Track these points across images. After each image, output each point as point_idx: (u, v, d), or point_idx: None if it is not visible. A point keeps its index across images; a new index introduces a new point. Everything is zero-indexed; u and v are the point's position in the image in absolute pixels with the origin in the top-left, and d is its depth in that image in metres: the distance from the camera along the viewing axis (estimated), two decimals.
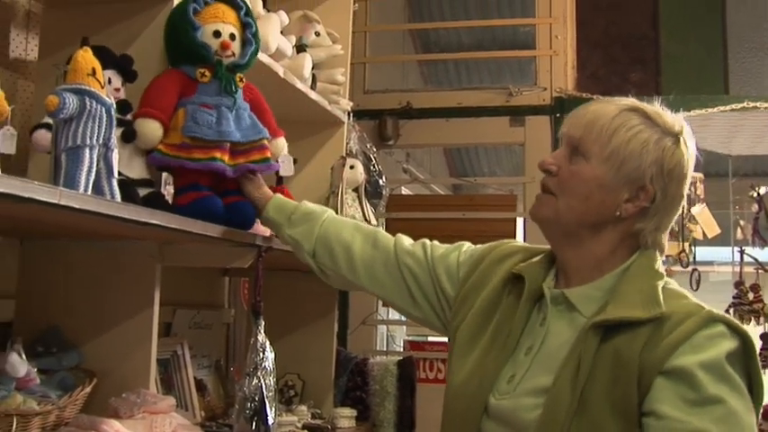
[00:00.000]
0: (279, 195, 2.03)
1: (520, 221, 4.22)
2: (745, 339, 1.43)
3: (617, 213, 1.56)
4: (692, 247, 3.97)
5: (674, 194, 1.58)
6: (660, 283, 1.52)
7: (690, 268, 3.80)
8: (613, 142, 1.55)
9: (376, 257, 1.89)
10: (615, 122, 1.56)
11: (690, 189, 3.76)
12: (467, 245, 1.88)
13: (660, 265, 1.59)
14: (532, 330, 1.61)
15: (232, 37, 1.96)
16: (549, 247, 1.72)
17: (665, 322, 1.44)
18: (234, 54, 1.96)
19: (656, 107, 1.61)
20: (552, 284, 1.64)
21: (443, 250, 1.87)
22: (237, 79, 1.97)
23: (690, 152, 1.60)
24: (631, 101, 1.62)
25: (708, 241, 4.36)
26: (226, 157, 1.91)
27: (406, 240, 1.92)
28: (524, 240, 4.13)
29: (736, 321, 1.47)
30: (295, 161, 2.49)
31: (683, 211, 3.82)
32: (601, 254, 1.59)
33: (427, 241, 1.90)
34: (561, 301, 1.60)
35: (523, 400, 1.50)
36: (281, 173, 2.32)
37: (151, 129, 1.85)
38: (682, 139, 1.58)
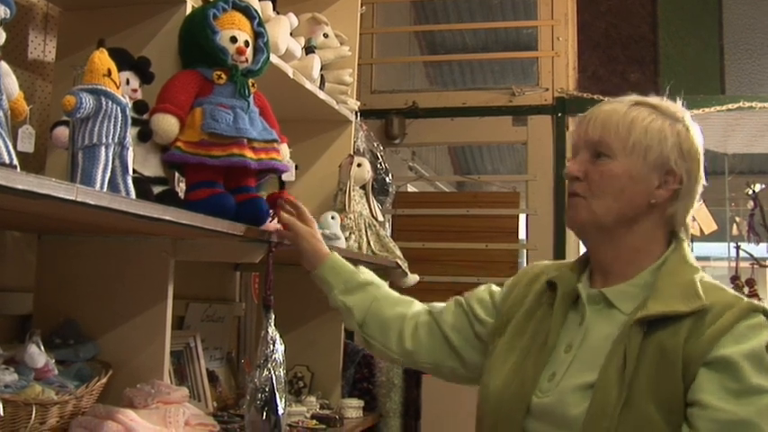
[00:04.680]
0: (335, 254, 2.05)
1: (522, 218, 4.25)
2: None
3: (651, 201, 1.59)
4: (690, 243, 4.00)
5: (697, 175, 1.62)
6: (698, 276, 1.55)
7: None
8: (633, 134, 1.58)
9: (419, 327, 1.91)
10: (629, 116, 1.60)
11: None
12: (494, 285, 1.92)
13: (693, 257, 1.62)
14: (570, 330, 1.62)
15: (246, 44, 2.02)
16: (573, 260, 1.77)
17: (706, 314, 1.46)
18: (247, 60, 2.03)
19: (656, 99, 1.66)
20: (588, 286, 1.67)
21: (473, 291, 1.91)
22: (250, 84, 2.03)
23: (698, 134, 1.64)
24: (635, 97, 1.66)
25: (705, 237, 4.35)
26: (245, 152, 1.95)
27: (437, 304, 1.96)
28: (527, 236, 4.17)
29: None
30: (296, 167, 2.52)
31: None
32: (639, 245, 1.62)
33: (458, 296, 1.94)
34: (599, 300, 1.61)
35: (568, 397, 1.51)
36: (284, 177, 2.34)
37: (168, 123, 1.89)
38: (689, 124, 1.63)
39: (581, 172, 1.63)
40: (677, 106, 1.66)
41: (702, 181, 1.65)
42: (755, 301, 1.48)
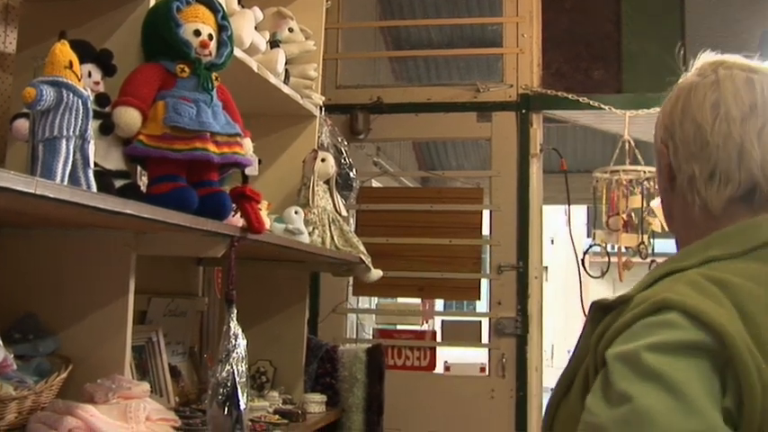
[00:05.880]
0: None
1: (486, 214, 4.27)
2: (717, 333, 1.09)
3: (662, 185, 1.42)
4: (651, 240, 4.03)
5: (689, 132, 1.32)
6: (676, 266, 1.26)
7: (649, 260, 3.85)
8: None
9: None
10: None
11: (648, 184, 3.85)
12: None
13: (721, 248, 1.26)
14: None
15: (210, 37, 2.02)
16: None
17: (624, 308, 1.20)
18: (211, 54, 2.02)
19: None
20: None
21: None
22: (213, 78, 2.02)
23: (706, 81, 1.33)
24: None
25: (666, 234, 4.37)
26: (208, 146, 1.94)
27: None
28: (490, 232, 4.19)
29: (715, 314, 1.11)
30: (260, 161, 2.51)
31: (642, 203, 3.88)
32: (677, 229, 1.41)
33: None
34: None
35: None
36: (247, 172, 2.30)
37: (131, 117, 1.88)
38: (685, 76, 1.38)
39: None
40: (701, 61, 1.39)
41: (712, 134, 1.30)
42: (690, 299, 1.14)
